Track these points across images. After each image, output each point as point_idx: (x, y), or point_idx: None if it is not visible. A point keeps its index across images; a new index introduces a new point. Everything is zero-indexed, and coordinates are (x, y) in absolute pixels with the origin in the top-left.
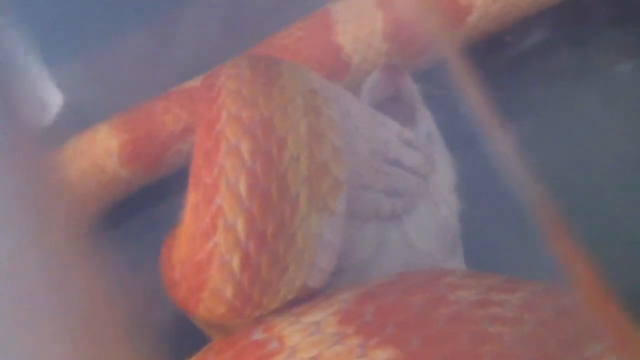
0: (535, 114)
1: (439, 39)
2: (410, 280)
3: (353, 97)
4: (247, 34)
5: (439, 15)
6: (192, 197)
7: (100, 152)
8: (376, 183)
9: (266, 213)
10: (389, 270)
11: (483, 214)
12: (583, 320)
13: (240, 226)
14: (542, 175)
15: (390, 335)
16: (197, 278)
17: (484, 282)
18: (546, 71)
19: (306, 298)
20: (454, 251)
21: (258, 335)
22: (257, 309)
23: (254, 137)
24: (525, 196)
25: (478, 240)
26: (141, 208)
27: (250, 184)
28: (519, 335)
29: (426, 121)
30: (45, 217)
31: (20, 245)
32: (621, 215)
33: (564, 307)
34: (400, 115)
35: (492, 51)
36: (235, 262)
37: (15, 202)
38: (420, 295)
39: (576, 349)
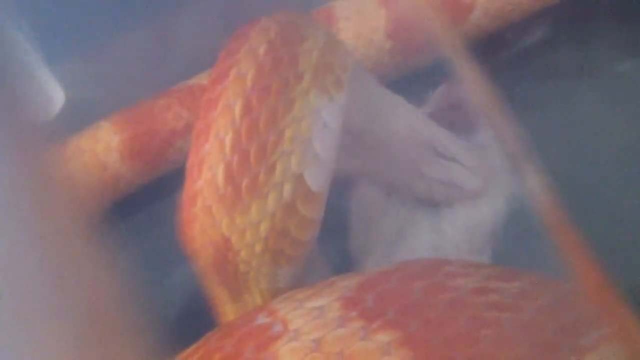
0: (536, 111)
1: (441, 37)
2: (411, 268)
3: (399, 100)
4: None
5: (441, 13)
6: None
7: (102, 149)
8: (423, 166)
9: (274, 71)
10: (413, 255)
11: None
12: (581, 308)
13: (250, 75)
14: (543, 171)
15: (391, 319)
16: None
17: (482, 272)
18: (547, 69)
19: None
20: (482, 252)
21: (262, 319)
22: (254, 187)
23: (272, 43)
24: (528, 191)
25: None
26: (142, 205)
27: (267, 49)
28: (517, 321)
29: (484, 133)
30: (48, 213)
31: (22, 241)
32: (622, 212)
33: (561, 295)
34: (460, 122)
35: (493, 49)
36: (238, 108)
37: (18, 198)
38: (420, 282)
39: (573, 336)
